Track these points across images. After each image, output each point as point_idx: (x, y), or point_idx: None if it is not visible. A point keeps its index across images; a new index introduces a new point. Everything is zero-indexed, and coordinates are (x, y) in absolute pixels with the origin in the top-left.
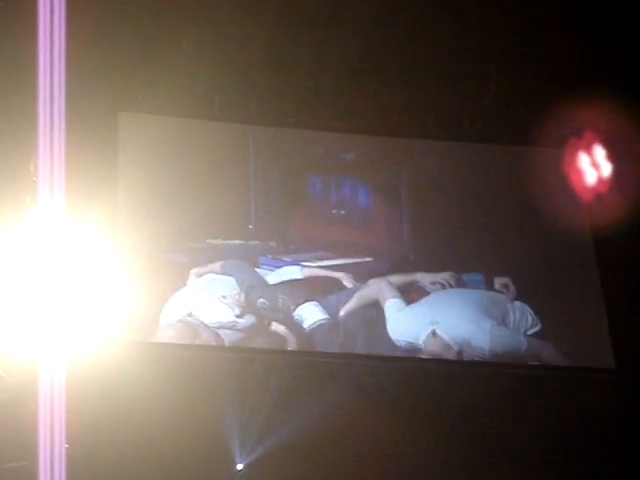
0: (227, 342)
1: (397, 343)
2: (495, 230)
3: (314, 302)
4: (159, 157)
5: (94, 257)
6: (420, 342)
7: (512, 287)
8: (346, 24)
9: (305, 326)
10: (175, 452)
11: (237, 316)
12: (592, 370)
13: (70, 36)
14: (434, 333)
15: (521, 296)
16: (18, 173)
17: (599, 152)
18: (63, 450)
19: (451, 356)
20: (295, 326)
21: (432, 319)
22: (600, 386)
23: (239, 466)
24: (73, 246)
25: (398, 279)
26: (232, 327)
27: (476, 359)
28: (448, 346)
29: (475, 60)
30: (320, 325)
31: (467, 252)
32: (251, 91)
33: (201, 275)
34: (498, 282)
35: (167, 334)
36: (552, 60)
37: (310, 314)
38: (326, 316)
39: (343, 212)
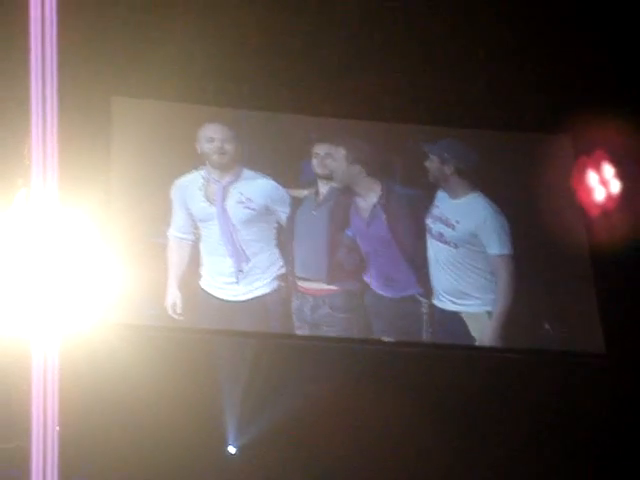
0: None
1: None
2: None
3: None
4: (152, 142)
5: (86, 240)
6: None
7: None
8: (339, 9)
9: None
10: (167, 434)
11: None
12: (582, 354)
13: (62, 20)
14: None
15: None
16: (11, 156)
17: (608, 170)
18: (55, 431)
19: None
20: None
21: None
22: (590, 370)
23: (231, 449)
24: (65, 229)
25: None
26: None
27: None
28: None
29: (467, 45)
30: None
31: None
32: (244, 75)
33: None
34: None
35: None
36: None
37: None
38: None
39: None
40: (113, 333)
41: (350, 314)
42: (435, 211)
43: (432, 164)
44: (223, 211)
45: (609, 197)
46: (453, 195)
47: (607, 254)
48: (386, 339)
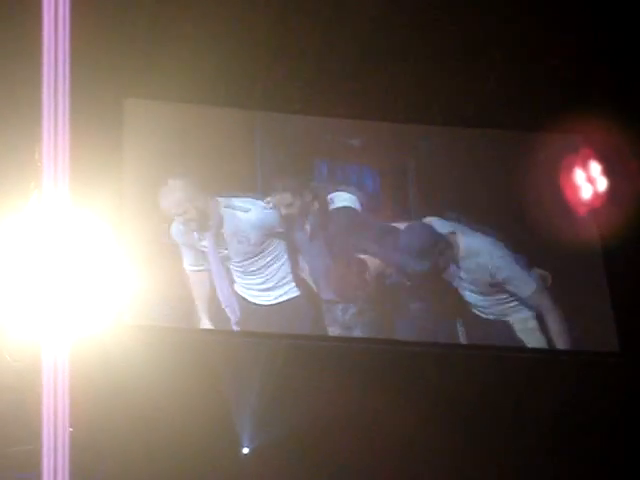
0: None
1: None
2: (501, 216)
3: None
4: (165, 143)
5: (99, 242)
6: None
7: None
8: (352, 10)
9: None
10: (180, 436)
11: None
12: (596, 353)
13: (75, 22)
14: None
15: None
16: (23, 159)
17: (595, 167)
18: (67, 434)
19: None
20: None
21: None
22: (604, 369)
23: (245, 450)
24: (78, 231)
25: None
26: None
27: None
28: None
29: (481, 45)
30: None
31: None
32: (257, 76)
33: None
34: None
35: None
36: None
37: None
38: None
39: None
40: (126, 334)
41: (378, 313)
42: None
43: (438, 258)
44: (216, 262)
45: (620, 195)
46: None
47: (620, 253)
48: (406, 339)
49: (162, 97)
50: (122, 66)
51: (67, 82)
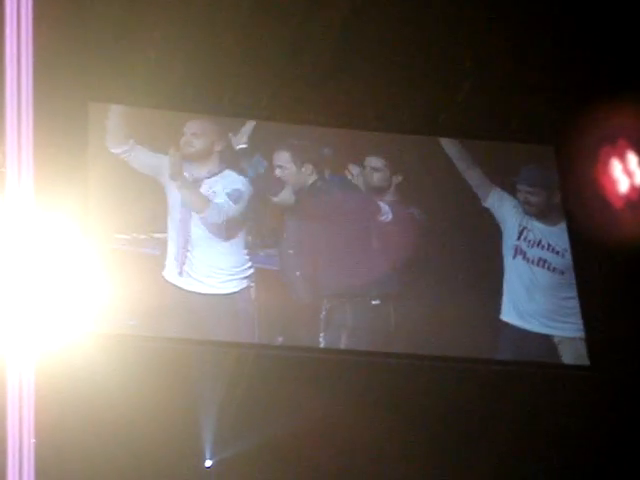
0: None
1: None
2: (477, 225)
3: None
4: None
5: (64, 249)
6: None
7: None
8: (321, 16)
9: None
10: (144, 447)
11: None
12: (566, 367)
13: (39, 23)
14: None
15: None
16: None
17: (632, 159)
18: (32, 445)
19: None
20: None
21: None
22: (574, 383)
23: (208, 462)
24: (42, 238)
25: None
26: None
27: None
28: None
29: (451, 54)
30: None
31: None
32: (224, 82)
33: None
34: None
35: None
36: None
37: None
38: None
39: None
40: (91, 343)
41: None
42: (529, 235)
43: (536, 197)
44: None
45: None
46: (550, 223)
47: (592, 267)
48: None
49: (128, 102)
50: (88, 69)
51: (30, 85)
